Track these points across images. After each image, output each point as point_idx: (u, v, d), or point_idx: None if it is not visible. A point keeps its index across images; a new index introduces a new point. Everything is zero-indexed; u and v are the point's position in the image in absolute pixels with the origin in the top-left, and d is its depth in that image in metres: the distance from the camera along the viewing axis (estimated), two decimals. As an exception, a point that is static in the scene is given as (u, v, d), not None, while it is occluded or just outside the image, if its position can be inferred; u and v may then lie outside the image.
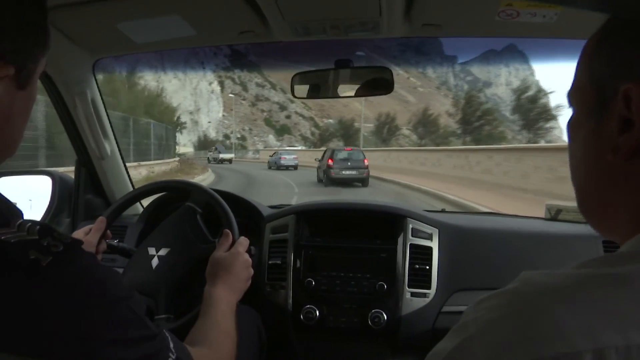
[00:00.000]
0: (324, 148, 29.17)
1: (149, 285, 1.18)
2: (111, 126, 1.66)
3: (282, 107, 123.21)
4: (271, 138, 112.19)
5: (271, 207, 1.75)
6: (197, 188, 1.35)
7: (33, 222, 0.51)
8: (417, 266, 1.45)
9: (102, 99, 1.61)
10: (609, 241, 1.52)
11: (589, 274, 0.41)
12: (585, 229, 1.76)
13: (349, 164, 16.91)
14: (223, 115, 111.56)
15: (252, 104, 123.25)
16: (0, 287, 0.46)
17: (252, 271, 1.12)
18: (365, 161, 17.23)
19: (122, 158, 1.73)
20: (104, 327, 0.52)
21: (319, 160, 19.19)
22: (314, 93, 1.66)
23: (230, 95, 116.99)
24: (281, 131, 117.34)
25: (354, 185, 16.29)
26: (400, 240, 1.48)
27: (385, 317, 1.40)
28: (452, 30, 1.36)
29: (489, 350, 0.40)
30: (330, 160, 17.05)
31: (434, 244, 1.48)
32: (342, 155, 17.52)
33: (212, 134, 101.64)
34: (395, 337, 1.41)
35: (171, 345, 0.62)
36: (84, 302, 0.51)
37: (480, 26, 1.32)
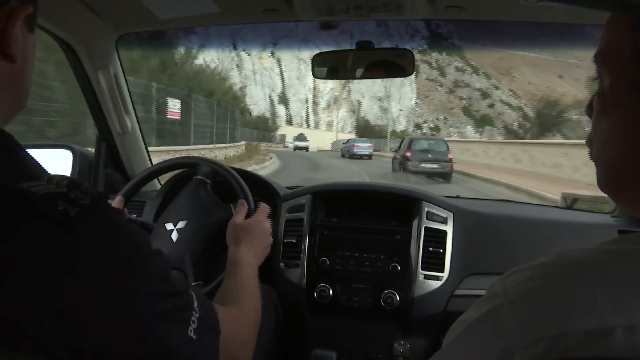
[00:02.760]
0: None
1: (173, 257, 1.24)
2: (132, 102, 1.70)
3: (485, 95, 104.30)
4: (469, 130, 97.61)
5: (288, 187, 1.80)
6: (203, 161, 1.42)
7: (62, 176, 0.53)
8: (431, 249, 1.49)
9: (124, 75, 1.65)
10: (626, 230, 1.53)
11: (622, 250, 0.42)
12: (601, 218, 1.74)
13: (429, 155, 15.51)
14: (416, 103, 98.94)
15: (450, 90, 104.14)
16: (32, 237, 0.47)
17: (271, 239, 1.17)
18: (449, 154, 15.86)
19: (142, 134, 1.78)
20: (131, 280, 0.53)
21: (395, 150, 18.22)
22: (332, 74, 1.67)
23: (426, 80, 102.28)
24: (481, 122, 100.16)
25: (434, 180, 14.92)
26: (415, 223, 1.52)
27: (398, 298, 1.45)
28: (475, 12, 1.34)
29: (519, 319, 0.40)
30: (407, 151, 15.80)
31: (449, 228, 1.52)
32: (421, 145, 16.26)
33: (402, 124, 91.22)
34: (407, 318, 1.46)
35: (195, 304, 0.63)
36: (113, 254, 0.52)
37: (504, 9, 1.30)
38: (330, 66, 1.66)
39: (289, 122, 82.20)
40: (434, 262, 1.48)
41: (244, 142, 24.72)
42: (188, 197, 1.36)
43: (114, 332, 0.49)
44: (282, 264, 1.54)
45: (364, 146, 31.61)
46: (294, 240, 1.55)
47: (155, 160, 1.71)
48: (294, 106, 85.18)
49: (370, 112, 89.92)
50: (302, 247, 1.53)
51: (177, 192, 1.53)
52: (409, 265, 1.47)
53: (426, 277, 1.47)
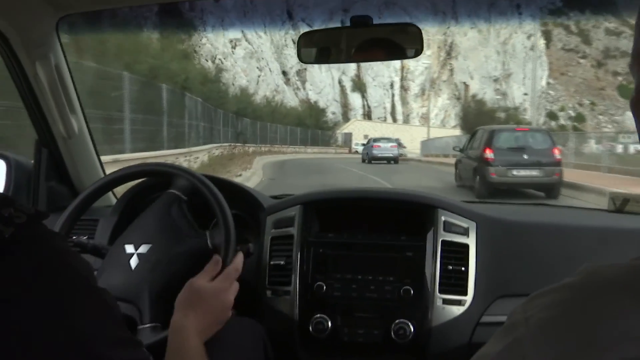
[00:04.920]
0: None
1: (129, 289, 1.36)
2: (79, 99, 1.90)
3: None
4: (628, 117, 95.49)
5: (274, 197, 1.94)
6: (182, 172, 1.54)
7: None
8: (451, 267, 1.60)
9: (68, 64, 1.85)
10: None
11: None
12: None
13: (524, 156, 13.42)
14: (548, 84, 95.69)
15: (598, 63, 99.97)
16: None
17: (229, 315, 1.27)
18: (555, 152, 13.69)
19: (91, 137, 1.99)
20: (82, 316, 0.60)
21: (460, 150, 16.04)
22: (323, 57, 1.81)
23: (562, 51, 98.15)
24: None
25: (530, 196, 13.30)
26: (429, 235, 1.63)
27: (412, 329, 1.55)
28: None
29: (542, 354, 0.44)
30: (487, 150, 13.39)
31: (471, 241, 1.63)
32: (509, 139, 14.12)
33: (529, 113, 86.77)
34: (424, 354, 1.56)
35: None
36: (55, 286, 0.59)
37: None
38: (320, 47, 1.79)
39: (367, 115, 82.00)
40: (454, 283, 1.58)
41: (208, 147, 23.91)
42: (157, 216, 1.48)
43: None
44: (268, 292, 1.66)
45: (386, 147, 32.19)
46: (282, 262, 1.66)
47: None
48: (374, 94, 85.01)
49: (482, 98, 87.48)
50: (293, 269, 1.64)
51: (137, 208, 1.70)
52: (424, 288, 1.57)
53: (446, 301, 1.56)
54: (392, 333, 1.54)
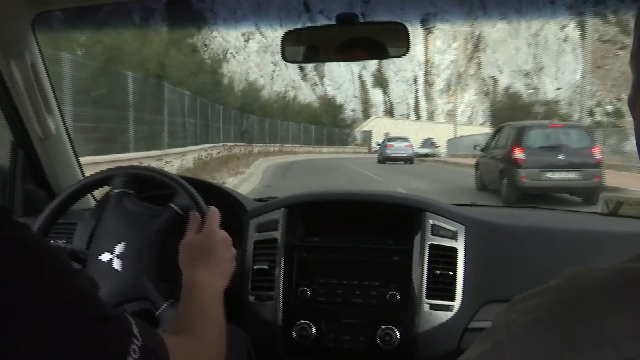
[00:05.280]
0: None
1: (128, 289, 1.42)
2: (56, 98, 1.94)
3: None
4: None
5: (258, 199, 2.01)
6: (114, 171, 1.59)
7: None
8: (438, 272, 1.65)
9: (44, 63, 1.89)
10: None
11: None
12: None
13: (559, 156, 12.25)
14: (583, 77, 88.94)
15: None
16: None
17: (234, 250, 1.34)
18: (595, 151, 12.50)
19: (69, 138, 2.02)
20: (51, 302, 0.63)
21: (482, 149, 14.98)
22: (311, 56, 1.85)
23: (598, 42, 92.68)
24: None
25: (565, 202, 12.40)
26: (417, 239, 1.69)
27: (399, 335, 1.60)
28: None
29: (523, 358, 0.47)
30: (516, 150, 12.36)
31: (460, 245, 1.69)
32: (541, 137, 12.93)
33: (563, 108, 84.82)
34: None
35: (135, 330, 0.73)
36: (25, 273, 0.62)
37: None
38: (308, 45, 1.83)
39: (389, 112, 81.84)
40: (442, 288, 1.63)
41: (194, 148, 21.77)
42: (114, 216, 1.53)
43: None
44: (251, 297, 1.72)
45: (399, 146, 32.50)
46: (265, 267, 1.72)
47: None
48: (397, 89, 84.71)
49: (518, 91, 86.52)
50: (277, 274, 1.71)
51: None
52: (411, 293, 1.62)
53: (433, 307, 1.62)
54: (378, 339, 1.60)
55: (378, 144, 50.05)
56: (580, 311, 0.45)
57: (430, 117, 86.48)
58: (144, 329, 0.75)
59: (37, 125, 1.94)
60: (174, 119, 18.87)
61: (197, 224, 1.35)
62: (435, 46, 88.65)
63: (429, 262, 1.64)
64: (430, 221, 1.70)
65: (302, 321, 1.65)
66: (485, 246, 1.70)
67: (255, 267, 1.73)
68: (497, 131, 14.92)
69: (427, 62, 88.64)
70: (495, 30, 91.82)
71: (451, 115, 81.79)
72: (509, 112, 62.47)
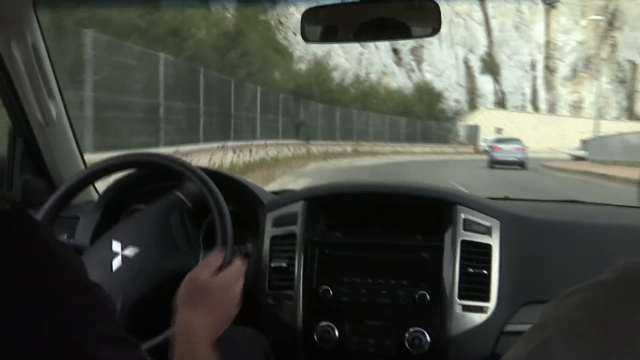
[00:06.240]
0: None
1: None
2: (57, 82, 2.08)
3: None
4: None
5: (274, 192, 2.10)
6: (192, 173, 1.64)
7: None
8: (471, 270, 1.72)
9: (46, 43, 2.03)
10: None
11: None
12: None
13: None
14: None
15: None
16: None
17: (236, 310, 1.38)
18: None
19: (71, 125, 2.17)
20: (68, 311, 0.67)
21: None
22: (329, 36, 1.92)
23: None
24: None
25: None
26: (447, 235, 1.77)
27: (429, 338, 1.68)
28: None
29: (572, 356, 0.50)
30: None
31: (494, 241, 1.76)
32: None
33: None
34: None
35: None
36: (45, 280, 0.66)
37: None
38: (326, 24, 1.89)
39: (500, 103, 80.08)
40: (475, 288, 1.70)
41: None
42: (154, 219, 1.61)
43: None
44: (269, 298, 1.80)
45: (508, 149, 32.18)
46: (284, 264, 1.81)
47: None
48: (510, 76, 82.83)
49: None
50: (296, 273, 1.79)
51: (125, 203, 1.84)
52: (441, 293, 1.70)
53: (466, 308, 1.69)
54: (407, 343, 1.67)
55: (487, 142, 47.70)
56: (631, 309, 0.47)
57: (551, 109, 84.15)
58: None
59: (38, 110, 2.05)
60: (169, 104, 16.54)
61: (216, 264, 1.37)
62: (559, 24, 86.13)
63: (461, 259, 1.70)
64: (462, 215, 1.76)
65: (325, 323, 1.73)
66: (523, 243, 1.77)
67: (272, 265, 1.81)
68: None
69: (548, 43, 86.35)
70: (635, 4, 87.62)
71: (577, 107, 79.29)
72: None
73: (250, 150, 20.90)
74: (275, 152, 24.04)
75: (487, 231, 1.75)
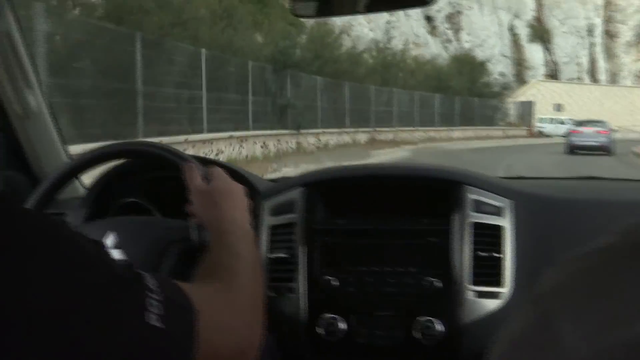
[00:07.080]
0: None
1: None
2: (36, 72, 2.21)
3: None
4: None
5: (271, 180, 2.21)
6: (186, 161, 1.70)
7: None
8: (483, 254, 1.79)
9: (21, 30, 2.17)
10: None
11: None
12: None
13: None
14: None
15: None
16: None
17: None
18: None
19: (53, 115, 2.30)
20: (44, 264, 0.72)
21: None
22: (324, 8, 2.01)
23: None
24: None
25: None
26: (456, 217, 1.84)
27: (442, 328, 1.75)
28: None
29: (576, 327, 0.51)
30: None
31: (507, 222, 1.83)
32: None
33: None
34: (456, 355, 1.77)
35: (151, 283, 0.83)
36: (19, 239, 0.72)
37: None
38: (319, -2, 2.00)
39: (553, 75, 78.88)
40: (488, 272, 1.78)
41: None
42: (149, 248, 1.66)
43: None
44: (270, 291, 1.87)
45: (589, 132, 31.84)
46: (284, 255, 1.90)
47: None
48: (564, 44, 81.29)
49: None
50: (297, 263, 1.87)
51: (115, 195, 1.95)
52: (452, 279, 1.77)
53: (479, 294, 1.76)
54: (417, 333, 1.75)
55: (543, 121, 47.07)
56: (633, 275, 0.49)
57: (612, 80, 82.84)
58: (165, 281, 0.86)
59: (16, 101, 2.17)
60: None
61: (197, 171, 1.46)
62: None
63: (471, 243, 1.78)
64: (471, 196, 1.84)
65: (329, 315, 1.81)
66: (538, 223, 1.84)
67: (271, 255, 1.90)
68: None
69: (607, 4, 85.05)
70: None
71: (644, 78, 77.78)
72: None
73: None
74: (237, 148, 20.52)
75: (498, 212, 1.82)
